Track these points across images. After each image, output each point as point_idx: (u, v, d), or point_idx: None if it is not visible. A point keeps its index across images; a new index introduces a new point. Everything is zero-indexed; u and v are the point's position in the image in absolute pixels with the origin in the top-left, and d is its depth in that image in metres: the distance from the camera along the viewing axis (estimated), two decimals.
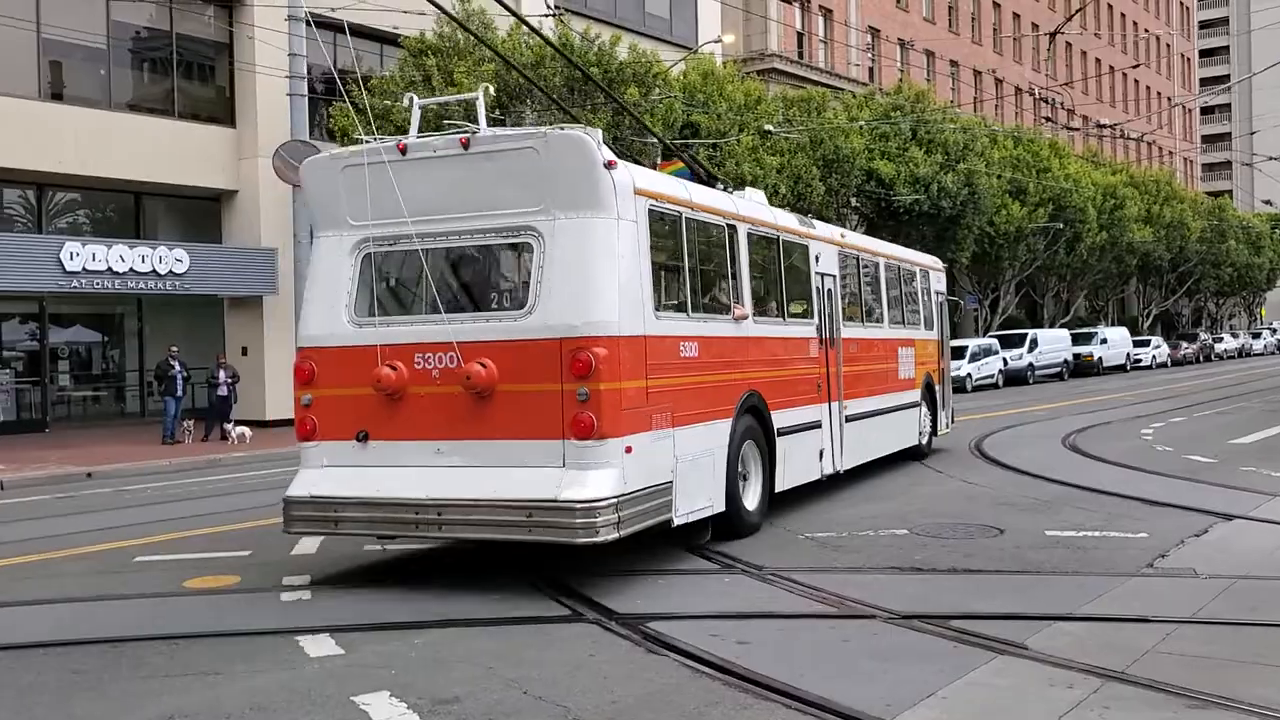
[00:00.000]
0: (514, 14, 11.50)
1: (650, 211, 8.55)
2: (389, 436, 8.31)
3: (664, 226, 8.90)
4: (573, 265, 7.94)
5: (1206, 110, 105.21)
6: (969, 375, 35.78)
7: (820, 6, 47.59)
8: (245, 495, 14.47)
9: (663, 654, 6.25)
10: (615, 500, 7.68)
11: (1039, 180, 43.67)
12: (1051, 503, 11.25)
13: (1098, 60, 69.33)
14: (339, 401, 8.51)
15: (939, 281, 17.53)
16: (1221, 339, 66.81)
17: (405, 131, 8.94)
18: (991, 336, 41.56)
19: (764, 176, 27.56)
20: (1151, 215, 54.87)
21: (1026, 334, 42.95)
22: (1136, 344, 52.75)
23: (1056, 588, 7.65)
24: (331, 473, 8.51)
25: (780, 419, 10.61)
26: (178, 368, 22.17)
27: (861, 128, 34.92)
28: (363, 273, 8.70)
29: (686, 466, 8.69)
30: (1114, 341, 49.62)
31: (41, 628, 7.37)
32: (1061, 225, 44.82)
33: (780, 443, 10.60)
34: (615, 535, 7.68)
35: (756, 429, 10.13)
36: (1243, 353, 67.64)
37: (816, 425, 11.69)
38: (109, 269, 23.79)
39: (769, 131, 29.87)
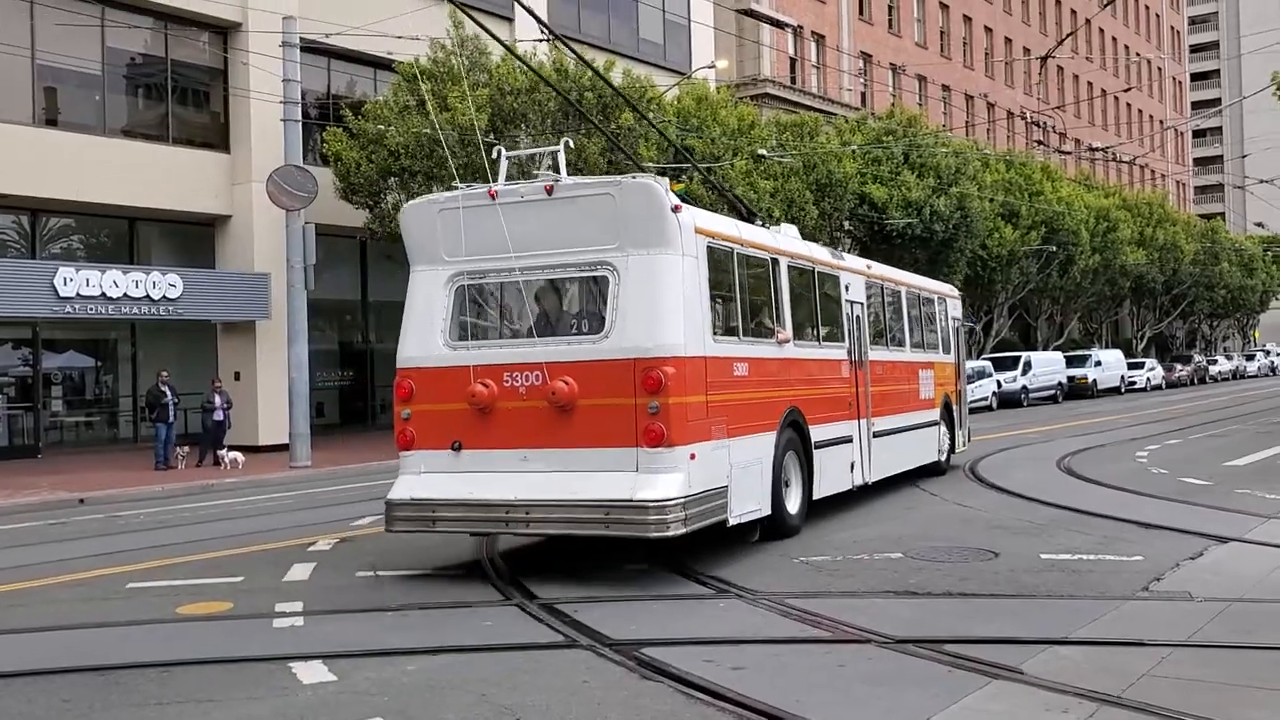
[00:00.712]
0: (501, 43, 11.52)
1: (709, 248, 9.69)
2: (480, 446, 9.34)
3: (719, 261, 9.97)
4: (644, 295, 9.05)
5: (1198, 133, 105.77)
6: None
7: (813, 32, 47.87)
8: (238, 521, 14.42)
9: (657, 680, 6.22)
10: (682, 500, 8.72)
11: (1031, 203, 43.86)
12: (1046, 526, 11.23)
13: (1090, 84, 69.77)
14: (435, 415, 9.52)
15: (956, 308, 18.68)
16: (1216, 361, 66.82)
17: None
18: (985, 359, 41.57)
19: (758, 200, 27.66)
20: (1144, 238, 55.10)
21: (1020, 356, 42.99)
22: (1131, 366, 52.78)
23: (1051, 611, 7.64)
24: (428, 478, 9.51)
25: (817, 433, 11.62)
26: (168, 393, 22.12)
27: (854, 152, 35.08)
28: (456, 302, 9.80)
29: (740, 473, 9.71)
30: (1108, 364, 49.61)
31: (32, 655, 7.32)
32: (1054, 248, 44.98)
33: (817, 454, 11.61)
34: (683, 530, 8.73)
35: (797, 441, 11.15)
36: (1237, 375, 67.69)
37: (848, 440, 12.71)
38: (102, 294, 23.77)
39: (763, 156, 30.01)
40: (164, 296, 24.68)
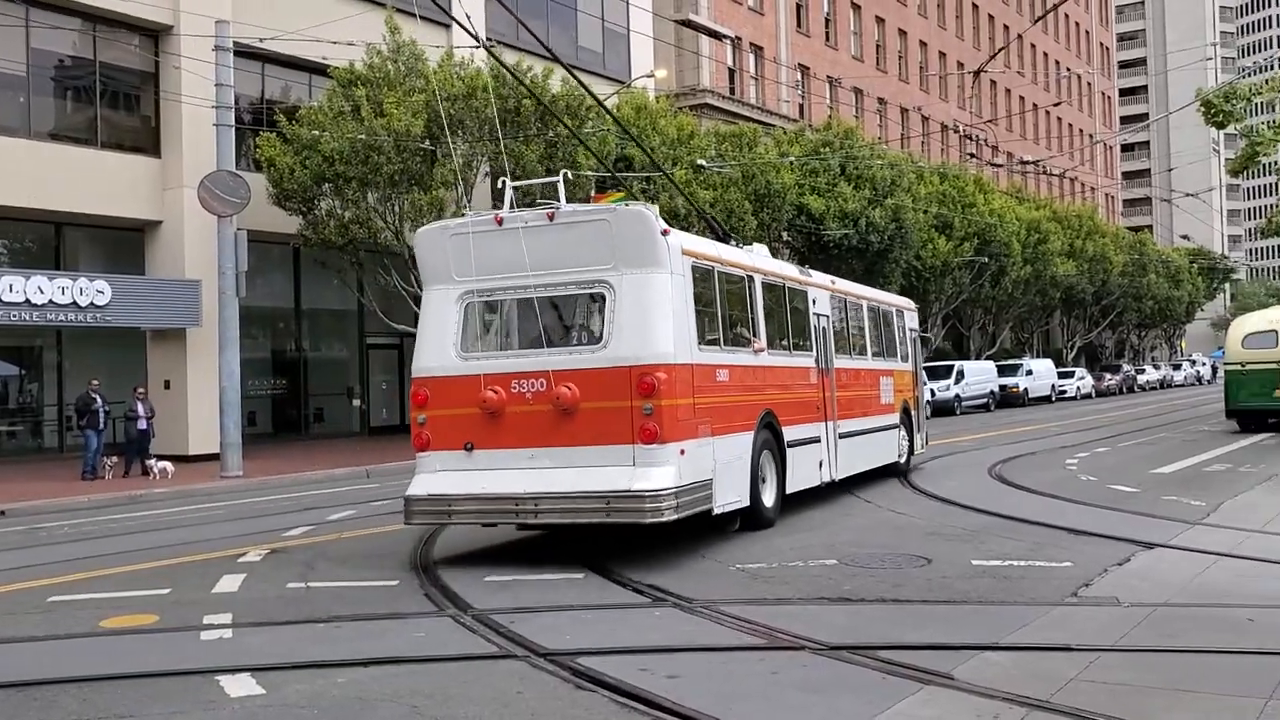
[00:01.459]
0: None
1: (693, 267, 10.70)
2: (491, 446, 10.28)
3: (702, 278, 10.96)
4: (637, 309, 10.04)
5: (1127, 148, 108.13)
6: None
7: (751, 44, 48.18)
8: (166, 532, 14.13)
9: (591, 689, 6.18)
10: (674, 490, 9.70)
11: (964, 215, 44.49)
12: (978, 532, 11.35)
13: (1021, 98, 70.95)
14: (449, 419, 10.46)
15: (912, 320, 20.00)
16: (1144, 370, 68.15)
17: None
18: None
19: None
20: (1074, 249, 56.12)
21: (953, 365, 43.58)
22: (1061, 375, 53.70)
23: (983, 617, 7.70)
24: (443, 476, 10.42)
25: (789, 433, 12.66)
26: (100, 401, 21.64)
27: (792, 163, 35.37)
28: (466, 317, 10.78)
29: (722, 468, 10.69)
30: (1039, 373, 50.43)
31: None
32: (987, 259, 45.65)
33: (790, 453, 12.64)
34: (675, 516, 9.72)
35: (771, 441, 12.18)
36: (1164, 384, 69.14)
37: (817, 440, 13.78)
38: (27, 300, 23.21)
39: (702, 166, 30.12)
40: (91, 303, 24.15)
